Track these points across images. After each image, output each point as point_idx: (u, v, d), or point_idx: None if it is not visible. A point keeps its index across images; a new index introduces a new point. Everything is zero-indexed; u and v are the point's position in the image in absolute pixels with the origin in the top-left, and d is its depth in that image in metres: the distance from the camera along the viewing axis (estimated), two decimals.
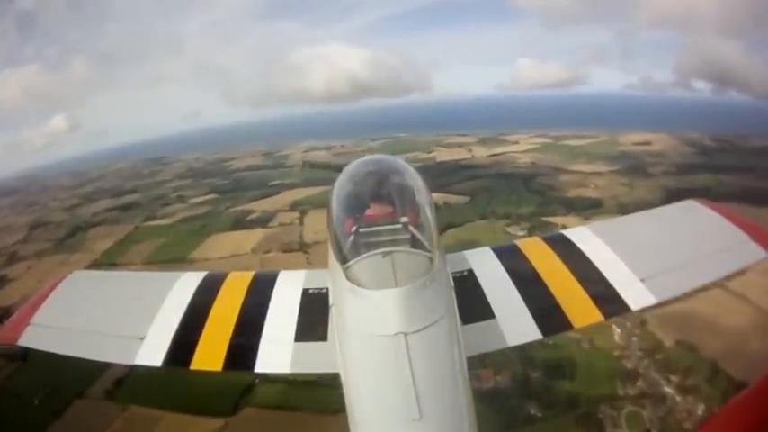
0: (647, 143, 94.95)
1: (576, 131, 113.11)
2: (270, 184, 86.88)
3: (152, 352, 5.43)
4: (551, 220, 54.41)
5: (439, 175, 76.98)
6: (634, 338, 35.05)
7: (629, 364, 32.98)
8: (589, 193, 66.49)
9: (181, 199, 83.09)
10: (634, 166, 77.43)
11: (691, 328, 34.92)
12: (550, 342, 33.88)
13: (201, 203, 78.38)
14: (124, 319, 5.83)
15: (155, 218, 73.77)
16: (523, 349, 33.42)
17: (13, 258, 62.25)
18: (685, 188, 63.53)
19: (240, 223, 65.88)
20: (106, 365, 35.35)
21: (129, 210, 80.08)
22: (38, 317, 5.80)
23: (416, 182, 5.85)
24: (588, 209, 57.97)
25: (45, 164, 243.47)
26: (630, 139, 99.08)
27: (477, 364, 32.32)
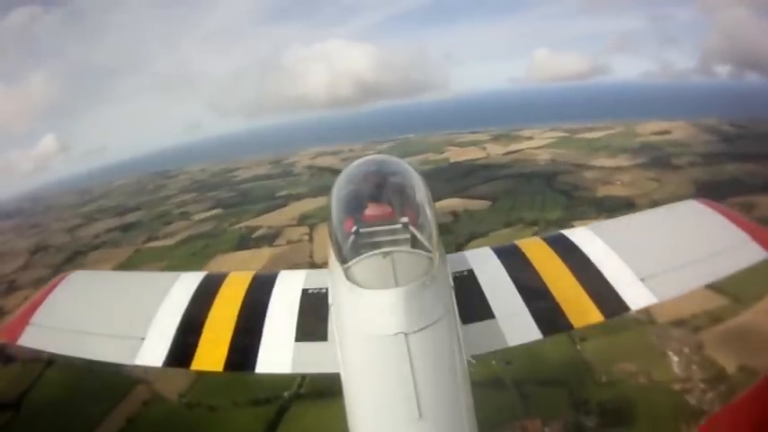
0: (666, 132, 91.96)
1: (590, 123, 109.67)
2: (277, 195, 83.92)
3: (153, 352, 5.39)
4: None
5: (455, 178, 73.87)
6: (694, 367, 31.46)
7: (692, 400, 29.32)
8: (617, 190, 62.70)
9: (184, 215, 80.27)
10: (658, 159, 73.97)
11: (751, 348, 31.43)
12: (604, 380, 30.67)
13: (205, 220, 75.53)
14: (124, 319, 5.82)
15: (157, 238, 71.05)
16: (574, 391, 30.34)
17: (11, 288, 59.84)
18: (716, 180, 61.13)
19: (245, 242, 62.93)
20: (98, 421, 32.88)
21: (130, 230, 77.65)
22: (38, 317, 5.78)
23: (416, 182, 5.95)
24: (620, 209, 52.91)
25: (50, 181, 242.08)
26: (648, 129, 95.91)
27: (522, 413, 29.01)
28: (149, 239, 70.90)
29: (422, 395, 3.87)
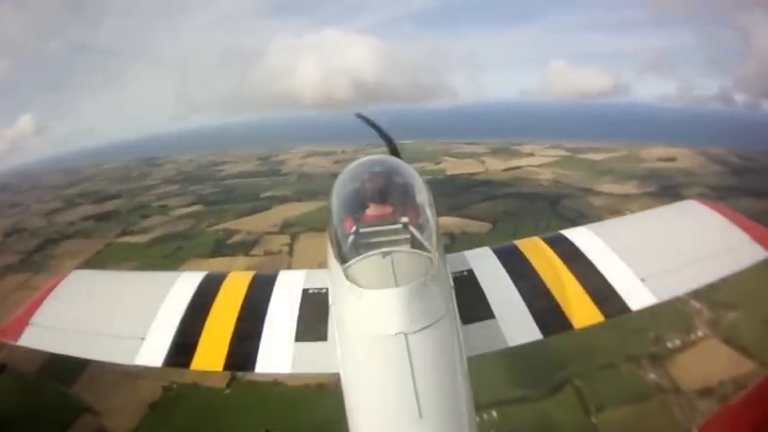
0: (672, 159, 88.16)
1: (592, 143, 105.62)
2: (261, 196, 79.55)
3: (152, 352, 5.48)
4: None
5: (453, 193, 69.44)
6: None
7: None
8: None
9: (163, 209, 76.29)
10: (666, 188, 70.10)
11: None
12: None
13: (184, 216, 71.33)
14: (124, 319, 5.89)
15: (131, 232, 66.99)
16: None
17: None
18: None
19: (221, 247, 58.29)
20: None
21: (106, 220, 73.81)
22: (37, 317, 5.86)
23: (417, 182, 6.02)
24: None
25: (40, 159, 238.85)
26: (653, 154, 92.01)
27: None
28: (123, 233, 66.95)
29: (422, 395, 3.85)
